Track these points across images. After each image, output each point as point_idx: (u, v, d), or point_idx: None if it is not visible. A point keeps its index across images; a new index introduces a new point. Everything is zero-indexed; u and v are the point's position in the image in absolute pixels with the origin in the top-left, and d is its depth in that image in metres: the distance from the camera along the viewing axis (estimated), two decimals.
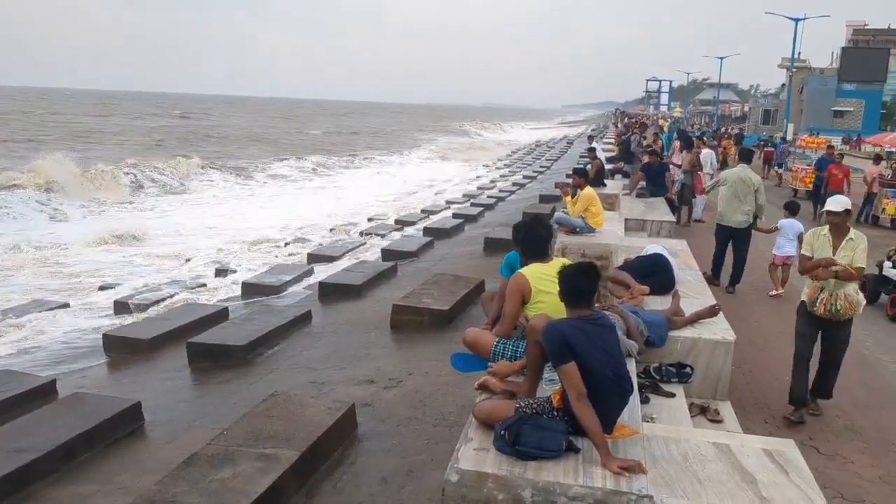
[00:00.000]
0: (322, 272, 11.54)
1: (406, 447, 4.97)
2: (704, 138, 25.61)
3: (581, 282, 3.55)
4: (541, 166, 32.38)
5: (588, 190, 9.49)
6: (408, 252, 12.65)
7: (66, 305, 10.41)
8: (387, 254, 12.61)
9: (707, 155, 16.92)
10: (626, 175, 17.45)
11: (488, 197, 21.50)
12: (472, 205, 19.48)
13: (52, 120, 65.04)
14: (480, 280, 9.16)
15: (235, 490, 3.92)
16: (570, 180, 11.41)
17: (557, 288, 3.65)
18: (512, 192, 22.85)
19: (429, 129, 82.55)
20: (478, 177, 31.74)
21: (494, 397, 3.82)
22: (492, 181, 28.11)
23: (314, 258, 12.88)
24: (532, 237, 4.69)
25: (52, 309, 10.11)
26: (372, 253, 13.61)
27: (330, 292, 9.85)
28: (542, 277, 4.32)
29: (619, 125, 52.67)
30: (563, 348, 3.32)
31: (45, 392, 6.25)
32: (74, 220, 20.89)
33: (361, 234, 16.01)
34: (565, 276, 3.58)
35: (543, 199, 18.29)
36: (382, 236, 15.49)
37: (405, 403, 5.72)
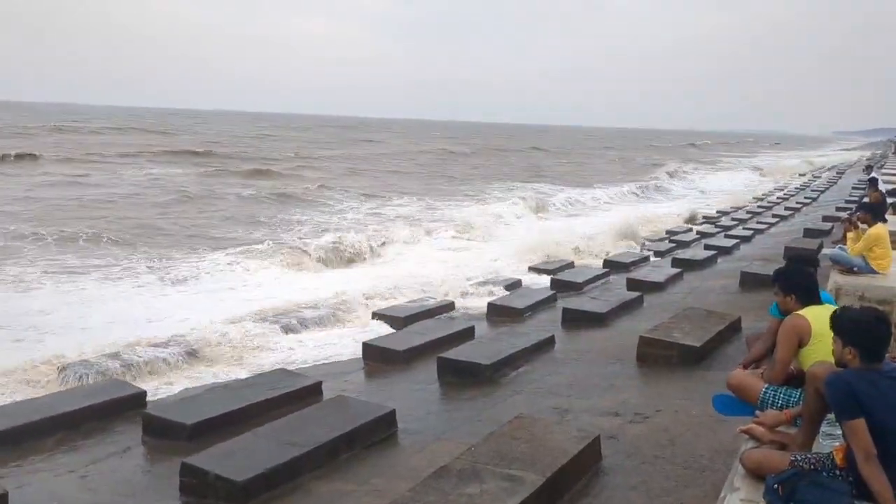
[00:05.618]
0: (564, 299, 11.50)
1: (652, 486, 4.75)
2: None
3: (881, 330, 3.17)
4: (806, 198, 29.64)
5: (877, 228, 8.53)
6: (654, 283, 12.19)
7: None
8: (632, 283, 12.26)
9: None
10: None
11: (744, 229, 20.11)
12: (727, 236, 18.33)
13: None
14: (737, 317, 8.56)
15: None
16: (842, 214, 10.31)
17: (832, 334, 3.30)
18: (772, 225, 21.17)
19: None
20: (734, 208, 29.77)
21: (763, 447, 3.51)
22: (748, 212, 26.30)
23: (557, 284, 12.85)
24: (809, 280, 4.37)
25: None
26: (615, 282, 13.27)
27: (573, 319, 9.78)
28: (821, 320, 3.92)
29: None
30: (851, 402, 2.97)
31: (313, 392, 6.86)
32: None
33: (605, 262, 15.64)
34: (861, 322, 3.20)
35: (809, 233, 16.66)
36: (627, 266, 15.03)
37: (652, 440, 5.48)
